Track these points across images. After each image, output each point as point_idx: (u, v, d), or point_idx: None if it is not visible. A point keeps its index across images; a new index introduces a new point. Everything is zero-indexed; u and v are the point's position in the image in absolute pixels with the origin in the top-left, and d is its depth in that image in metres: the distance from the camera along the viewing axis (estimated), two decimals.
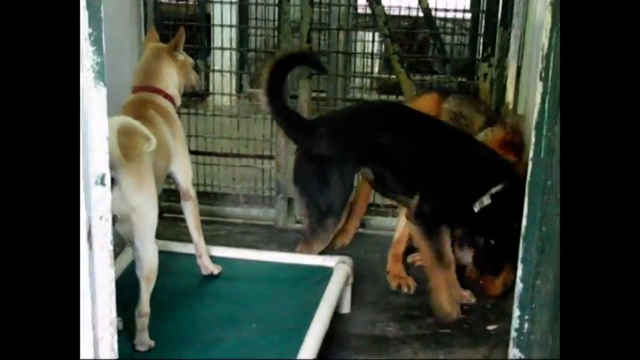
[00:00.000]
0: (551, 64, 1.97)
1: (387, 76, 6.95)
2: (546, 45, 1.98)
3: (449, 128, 3.88)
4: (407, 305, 3.81)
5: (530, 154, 2.07)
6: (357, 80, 7.45)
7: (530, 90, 4.12)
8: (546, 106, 2.00)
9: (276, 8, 5.32)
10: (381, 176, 3.82)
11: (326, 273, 3.64)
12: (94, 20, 2.04)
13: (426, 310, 3.76)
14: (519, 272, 2.15)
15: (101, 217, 2.20)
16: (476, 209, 3.55)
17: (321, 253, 3.88)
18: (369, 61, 7.28)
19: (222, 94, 6.26)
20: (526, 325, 2.15)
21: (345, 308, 3.73)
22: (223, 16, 5.92)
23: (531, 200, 2.07)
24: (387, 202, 4.60)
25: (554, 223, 1.95)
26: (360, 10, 7.52)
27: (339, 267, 3.66)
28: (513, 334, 2.19)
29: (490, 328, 3.67)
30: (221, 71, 6.36)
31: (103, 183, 2.18)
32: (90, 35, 2.05)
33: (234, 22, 6.70)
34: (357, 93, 7.29)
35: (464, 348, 3.50)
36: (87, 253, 2.19)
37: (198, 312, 3.37)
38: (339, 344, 3.45)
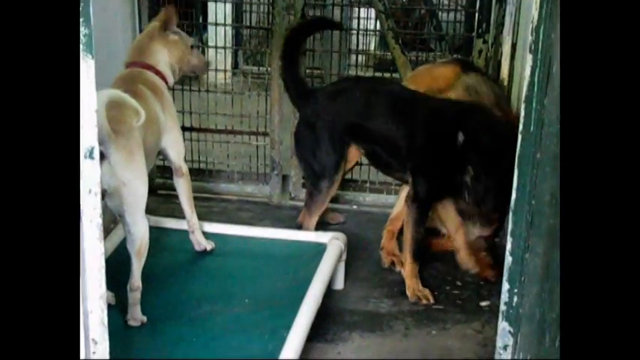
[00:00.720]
0: (540, 37, 1.96)
1: (383, 52, 6.94)
2: (536, 17, 1.96)
3: (431, 101, 3.87)
4: (400, 282, 3.80)
5: (520, 127, 2.06)
6: (353, 57, 7.40)
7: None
8: (535, 78, 1.99)
9: None
10: (373, 152, 3.94)
11: (319, 249, 3.65)
12: None
13: None
14: (508, 246, 2.14)
15: (90, 191, 2.19)
16: (460, 139, 3.54)
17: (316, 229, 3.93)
18: (366, 38, 7.24)
19: (217, 70, 6.23)
20: (515, 299, 2.15)
21: (339, 284, 3.74)
22: None
23: (520, 173, 2.06)
24: (382, 179, 4.60)
25: (544, 197, 1.94)
26: None
27: (333, 243, 3.66)
28: (502, 307, 2.19)
29: (483, 304, 3.68)
30: (216, 47, 6.33)
31: (91, 156, 2.17)
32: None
33: None
34: (352, 70, 7.24)
35: (457, 324, 3.51)
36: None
37: (191, 287, 3.38)
38: (333, 320, 3.46)
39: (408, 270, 3.72)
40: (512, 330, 2.18)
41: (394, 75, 4.84)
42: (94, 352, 2.33)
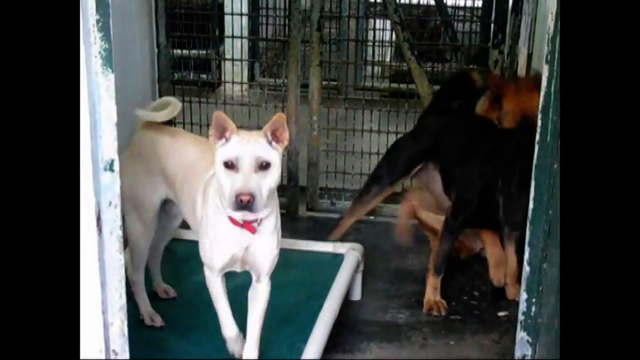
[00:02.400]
0: (557, 48, 1.97)
1: (398, 64, 6.96)
2: (552, 28, 1.97)
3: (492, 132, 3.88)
4: (418, 292, 3.81)
5: (537, 138, 2.07)
6: (369, 68, 7.42)
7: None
8: (552, 89, 1.99)
9: None
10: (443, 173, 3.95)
11: (337, 260, 3.66)
12: (102, 7, 2.05)
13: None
14: (526, 256, 2.15)
15: (110, 203, 2.22)
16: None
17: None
18: (381, 49, 7.27)
19: (234, 82, 6.25)
20: (533, 309, 2.15)
21: (356, 295, 3.74)
22: (234, 5, 5.91)
23: (538, 184, 2.07)
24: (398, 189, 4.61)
25: (558, 207, 1.94)
26: None
27: (350, 254, 3.67)
28: (521, 317, 2.20)
29: (501, 314, 3.68)
30: (232, 60, 6.37)
31: (112, 169, 2.19)
32: (98, 22, 2.06)
33: (245, 11, 6.69)
34: (368, 81, 7.26)
35: (474, 334, 3.51)
36: (96, 239, 2.22)
37: (208, 298, 3.38)
38: (351, 331, 3.47)
39: (429, 282, 3.73)
40: (530, 340, 2.19)
41: (410, 86, 4.85)
42: None
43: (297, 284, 3.50)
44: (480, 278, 3.99)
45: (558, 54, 1.95)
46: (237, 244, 2.70)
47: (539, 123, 2.05)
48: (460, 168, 3.80)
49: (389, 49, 7.27)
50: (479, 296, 3.84)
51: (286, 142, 2.63)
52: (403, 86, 5.10)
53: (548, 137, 2.01)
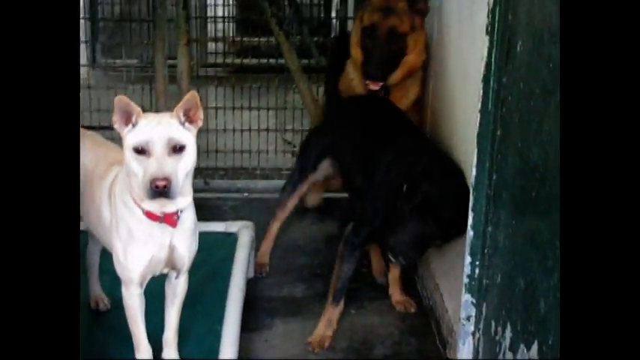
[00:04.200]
0: (497, 18, 2.05)
1: (244, 39, 6.96)
2: (492, 1, 2.06)
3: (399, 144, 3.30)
4: (309, 265, 3.87)
5: (478, 106, 2.15)
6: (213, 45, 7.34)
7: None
8: (492, 59, 2.08)
9: None
10: (343, 172, 3.65)
11: (230, 239, 3.66)
12: None
13: (329, 269, 3.81)
14: (470, 221, 2.24)
15: None
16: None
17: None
18: (224, 25, 7.20)
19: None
20: (477, 271, 2.24)
21: (249, 273, 3.74)
22: None
23: (480, 150, 2.15)
24: (272, 165, 4.66)
25: (507, 172, 2.03)
26: None
27: (243, 232, 3.68)
28: (465, 280, 2.28)
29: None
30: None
31: None
32: None
33: None
34: (212, 58, 7.18)
35: (372, 301, 3.60)
36: None
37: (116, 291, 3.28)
38: (252, 308, 3.47)
39: (324, 313, 3.29)
40: (474, 301, 2.28)
41: (261, 60, 4.84)
42: None
43: (197, 266, 3.40)
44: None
45: (498, 25, 2.04)
46: (156, 242, 2.57)
47: (480, 92, 2.13)
48: (357, 167, 3.41)
49: (231, 24, 7.23)
50: (368, 264, 3.92)
51: (200, 123, 2.50)
52: (253, 61, 5.09)
53: (490, 105, 2.10)
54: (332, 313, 3.25)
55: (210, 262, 3.48)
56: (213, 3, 7.15)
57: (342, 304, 3.27)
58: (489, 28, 2.08)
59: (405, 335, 3.36)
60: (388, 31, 3.66)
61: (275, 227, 3.87)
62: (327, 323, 3.25)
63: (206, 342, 2.94)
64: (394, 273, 3.57)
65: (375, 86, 3.67)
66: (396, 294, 3.58)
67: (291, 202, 3.81)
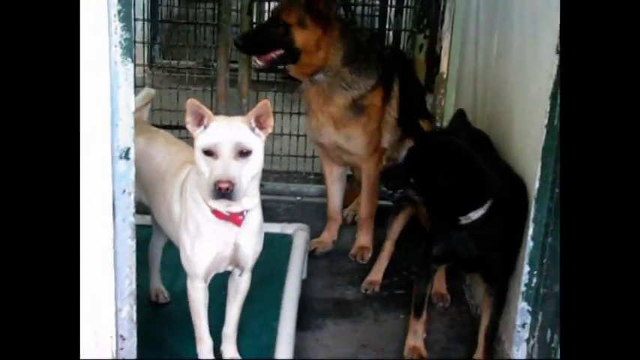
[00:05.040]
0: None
1: None
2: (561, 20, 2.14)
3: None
4: (360, 269, 3.97)
5: (545, 122, 2.24)
6: None
7: (464, 59, 4.32)
8: (558, 78, 2.17)
9: None
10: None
11: (285, 240, 3.76)
12: None
13: None
14: (530, 231, 2.32)
15: (124, 191, 2.25)
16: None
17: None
18: None
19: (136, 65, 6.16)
20: (535, 280, 2.33)
21: (303, 274, 3.84)
22: None
23: (544, 164, 2.24)
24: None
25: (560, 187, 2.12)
26: None
27: (299, 234, 3.78)
28: (523, 288, 2.37)
29: None
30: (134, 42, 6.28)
31: (127, 157, 2.23)
32: (119, 12, 2.09)
33: None
34: None
35: None
36: (110, 226, 2.25)
37: (174, 285, 3.39)
38: (304, 309, 3.55)
39: (410, 325, 3.37)
40: (530, 309, 2.37)
41: None
42: (121, 349, 2.39)
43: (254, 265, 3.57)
44: (413, 253, 4.14)
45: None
46: (222, 239, 2.68)
47: (547, 108, 2.22)
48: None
49: None
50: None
51: (270, 130, 2.62)
52: None
53: (555, 121, 2.18)
54: (415, 325, 3.31)
55: (267, 262, 3.56)
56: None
57: (424, 315, 3.31)
58: (559, 48, 2.17)
59: (453, 342, 3.45)
60: (273, 16, 3.87)
61: (388, 247, 3.90)
62: (413, 335, 3.31)
63: (262, 338, 3.06)
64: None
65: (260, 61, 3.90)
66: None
67: (397, 224, 3.85)
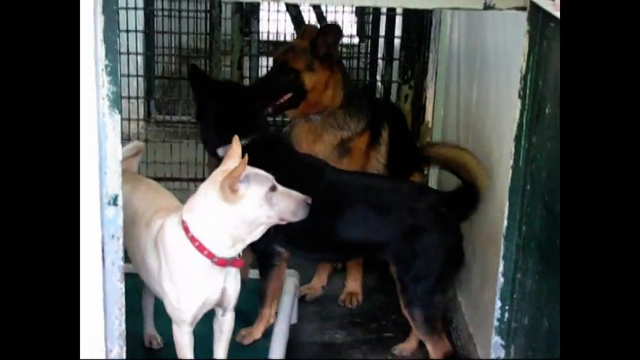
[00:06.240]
0: (528, 84, 2.27)
1: None
2: (524, 67, 2.28)
3: None
4: (349, 313, 4.05)
5: (510, 163, 2.36)
6: None
7: (448, 107, 4.46)
8: (524, 120, 2.30)
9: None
10: None
11: None
12: (111, 53, 2.21)
13: (368, 317, 4.01)
14: (500, 268, 2.43)
15: (113, 236, 2.36)
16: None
17: None
18: None
19: (130, 119, 6.26)
20: (507, 315, 2.42)
21: (293, 319, 3.93)
22: (129, 44, 5.97)
23: (511, 203, 2.36)
24: None
25: (535, 223, 2.23)
26: None
27: (288, 280, 3.87)
28: (495, 323, 2.47)
29: None
30: (128, 98, 6.40)
31: (115, 203, 2.34)
32: (106, 66, 2.21)
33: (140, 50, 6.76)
34: None
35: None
36: (100, 270, 2.35)
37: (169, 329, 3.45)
38: (293, 352, 3.64)
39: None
40: (504, 343, 2.46)
41: None
42: None
43: (241, 312, 3.64)
44: None
45: (529, 90, 2.26)
46: (211, 284, 2.79)
47: (512, 150, 2.34)
48: None
49: None
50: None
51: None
52: None
53: (520, 162, 2.31)
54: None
55: (256, 307, 3.67)
56: (266, 64, 7.42)
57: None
58: (521, 93, 2.30)
59: None
60: (280, 64, 3.98)
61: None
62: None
63: None
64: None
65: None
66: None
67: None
